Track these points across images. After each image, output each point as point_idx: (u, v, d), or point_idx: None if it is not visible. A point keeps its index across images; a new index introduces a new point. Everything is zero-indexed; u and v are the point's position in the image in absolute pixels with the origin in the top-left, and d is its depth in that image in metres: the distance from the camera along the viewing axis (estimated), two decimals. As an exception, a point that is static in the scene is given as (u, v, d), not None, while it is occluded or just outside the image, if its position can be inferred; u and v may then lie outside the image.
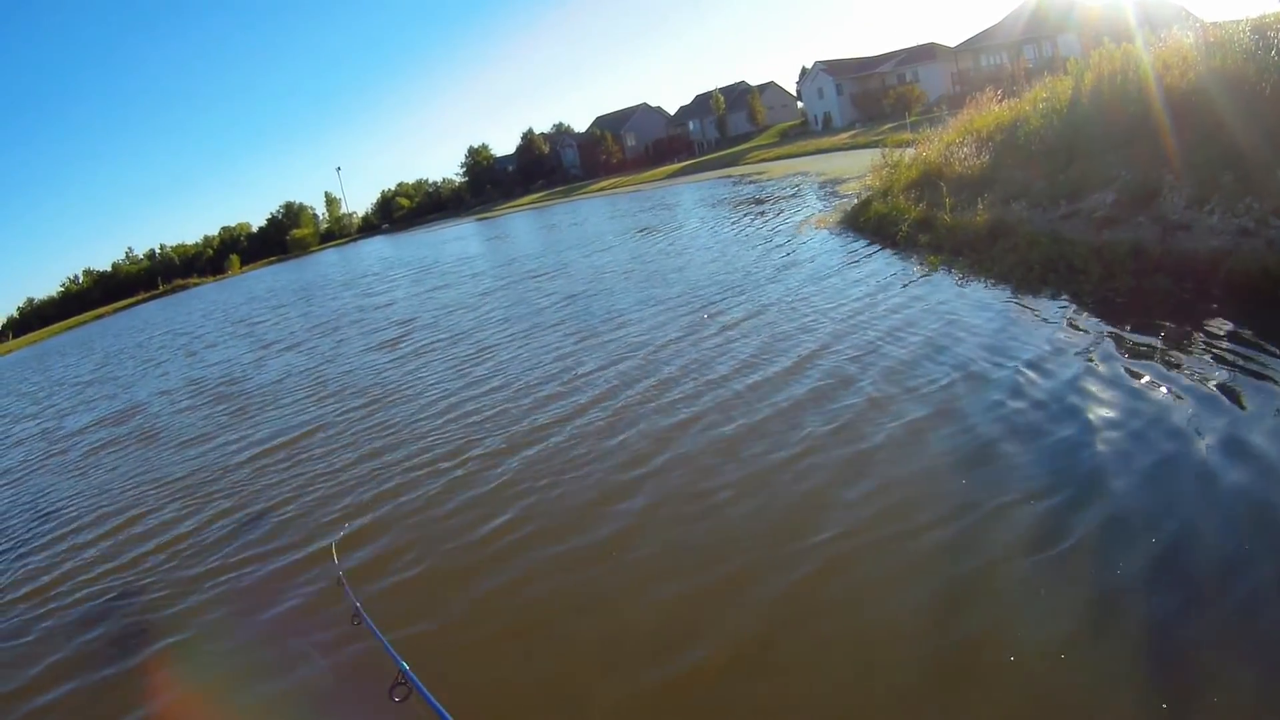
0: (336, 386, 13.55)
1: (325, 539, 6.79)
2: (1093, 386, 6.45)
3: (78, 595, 7.23)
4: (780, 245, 16.88)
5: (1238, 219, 7.99)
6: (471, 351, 13.63)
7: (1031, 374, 6.96)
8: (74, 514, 10.04)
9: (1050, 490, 5.10)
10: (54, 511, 10.42)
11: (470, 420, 9.62)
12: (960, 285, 10.45)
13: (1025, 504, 5.02)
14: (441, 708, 3.61)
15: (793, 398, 7.82)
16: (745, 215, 24.15)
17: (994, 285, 10.06)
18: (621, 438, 7.86)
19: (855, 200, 18.33)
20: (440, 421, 9.85)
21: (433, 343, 15.48)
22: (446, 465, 8.21)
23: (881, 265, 12.75)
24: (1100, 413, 5.99)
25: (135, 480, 10.86)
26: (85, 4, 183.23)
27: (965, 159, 14.43)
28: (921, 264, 11.97)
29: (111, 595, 7.05)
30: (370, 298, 27.22)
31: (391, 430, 10.00)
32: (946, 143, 16.10)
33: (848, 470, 6.06)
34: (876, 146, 27.18)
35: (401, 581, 5.99)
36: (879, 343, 8.87)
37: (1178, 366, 6.45)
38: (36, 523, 10.14)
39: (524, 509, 6.75)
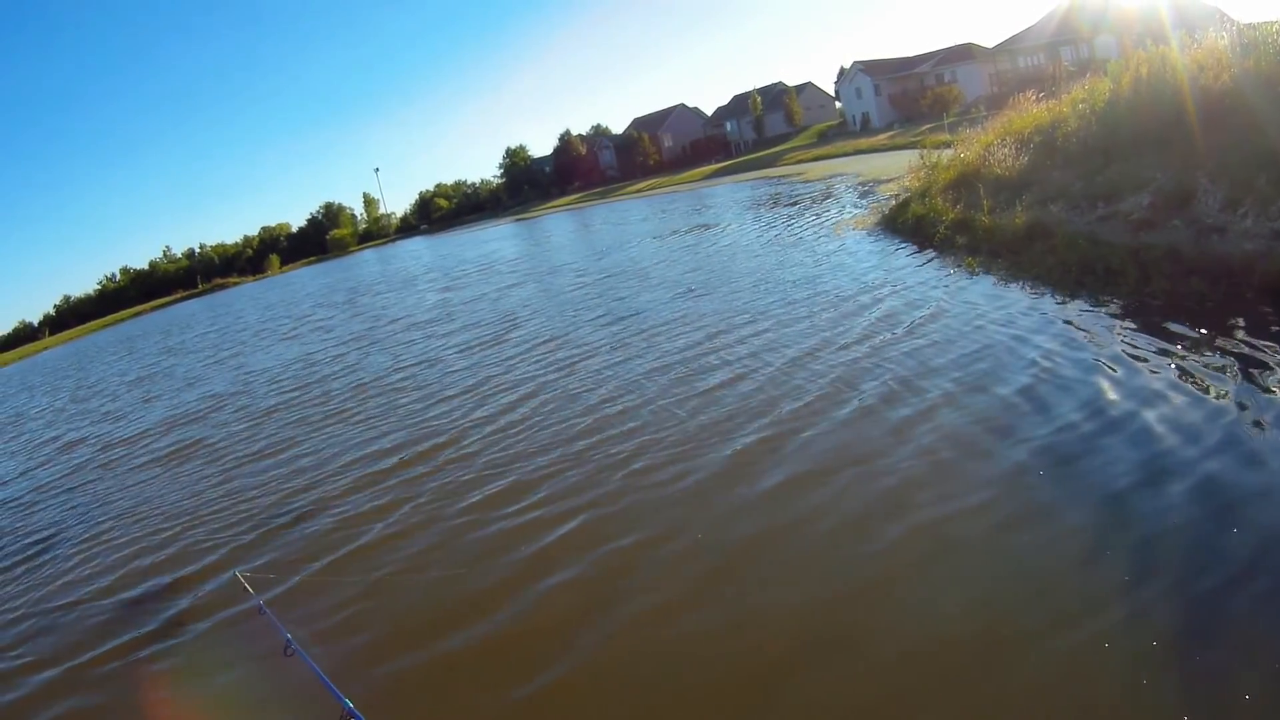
0: (451, 389, 12.30)
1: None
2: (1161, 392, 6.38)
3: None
4: (831, 246, 16.95)
5: (1271, 222, 8.15)
6: (588, 353, 12.43)
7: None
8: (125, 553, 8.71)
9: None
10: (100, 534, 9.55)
11: (634, 441, 8.09)
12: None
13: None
14: None
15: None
16: (802, 215, 23.98)
17: (1037, 288, 10.04)
18: (842, 479, 6.32)
19: (893, 201, 18.55)
20: (590, 441, 8.41)
21: (544, 342, 14.10)
22: (605, 510, 6.77)
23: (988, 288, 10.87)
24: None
25: (226, 496, 9.80)
26: (123, 4, 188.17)
27: (1003, 160, 14.53)
28: (961, 266, 12.13)
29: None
30: (447, 294, 26.45)
31: (541, 451, 8.50)
32: (984, 144, 16.18)
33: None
34: (914, 147, 27.12)
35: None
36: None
37: (1215, 365, 6.68)
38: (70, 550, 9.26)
39: (727, 594, 5.22)
